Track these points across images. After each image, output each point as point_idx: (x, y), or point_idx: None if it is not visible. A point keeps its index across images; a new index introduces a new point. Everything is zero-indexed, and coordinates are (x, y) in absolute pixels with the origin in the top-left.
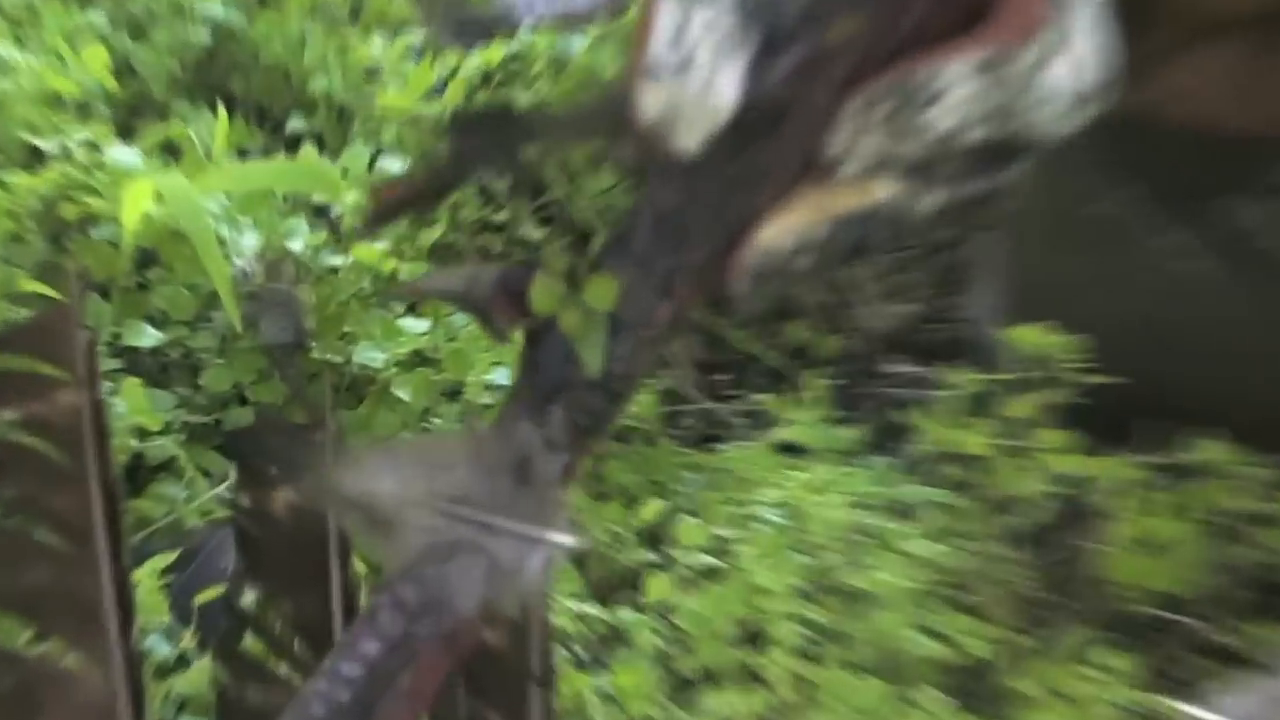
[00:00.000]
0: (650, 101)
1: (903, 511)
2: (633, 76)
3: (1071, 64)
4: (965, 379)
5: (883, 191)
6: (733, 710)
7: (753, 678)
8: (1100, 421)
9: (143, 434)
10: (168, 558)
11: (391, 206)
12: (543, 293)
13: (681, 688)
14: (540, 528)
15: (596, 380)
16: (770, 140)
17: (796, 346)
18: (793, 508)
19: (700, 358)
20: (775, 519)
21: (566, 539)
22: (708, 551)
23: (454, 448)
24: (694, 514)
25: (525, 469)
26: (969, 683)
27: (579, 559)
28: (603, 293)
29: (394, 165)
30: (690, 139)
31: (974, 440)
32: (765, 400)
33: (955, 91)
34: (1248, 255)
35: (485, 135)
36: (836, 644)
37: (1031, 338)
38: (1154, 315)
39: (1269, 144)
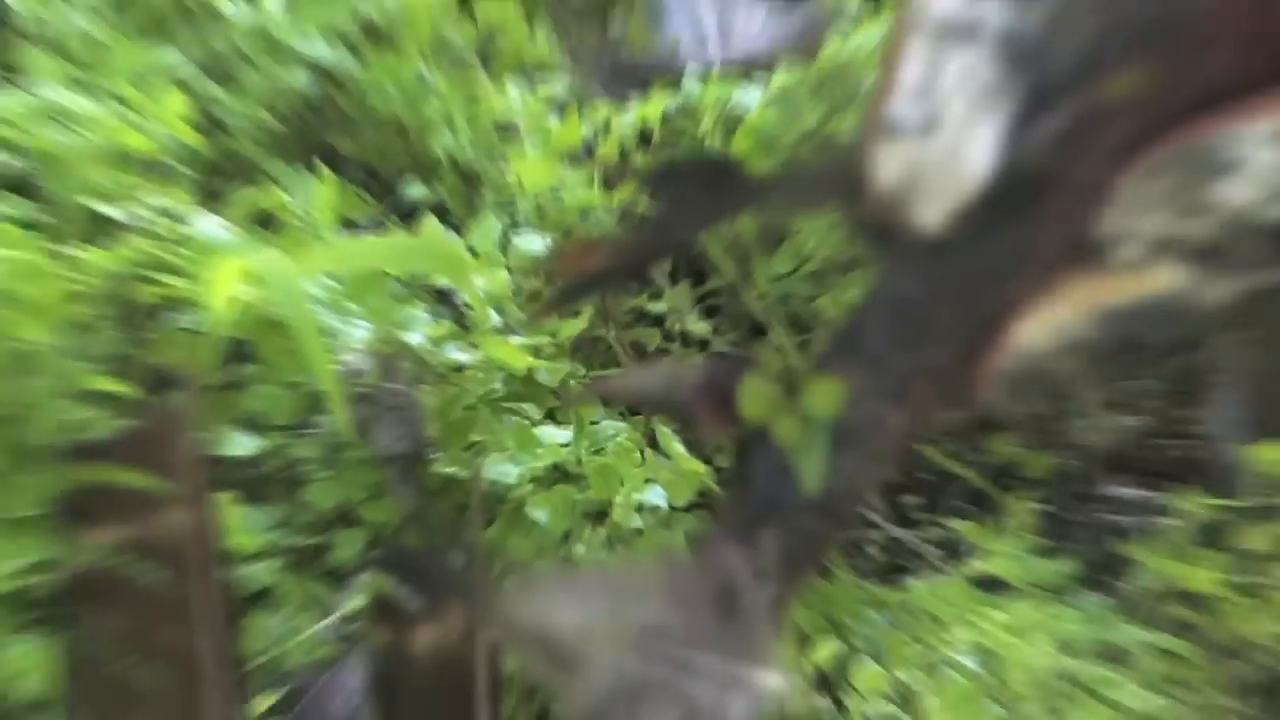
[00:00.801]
0: (888, 163)
1: (1116, 657)
2: (870, 131)
3: None
4: (1196, 505)
5: (1165, 280)
6: None
7: None
8: None
9: (236, 558)
10: (267, 700)
11: (589, 278)
12: (755, 396)
13: None
14: (745, 668)
15: (816, 499)
16: (1030, 217)
17: (1000, 464)
18: (989, 652)
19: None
20: (968, 664)
21: (774, 681)
22: (890, 700)
23: (646, 576)
24: (875, 657)
25: (730, 601)
26: None
27: None
28: (826, 397)
29: (532, 242)
30: (933, 212)
31: (1202, 576)
32: (962, 527)
33: (1254, 161)
34: None
35: (696, 194)
36: None
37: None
38: None
39: None
